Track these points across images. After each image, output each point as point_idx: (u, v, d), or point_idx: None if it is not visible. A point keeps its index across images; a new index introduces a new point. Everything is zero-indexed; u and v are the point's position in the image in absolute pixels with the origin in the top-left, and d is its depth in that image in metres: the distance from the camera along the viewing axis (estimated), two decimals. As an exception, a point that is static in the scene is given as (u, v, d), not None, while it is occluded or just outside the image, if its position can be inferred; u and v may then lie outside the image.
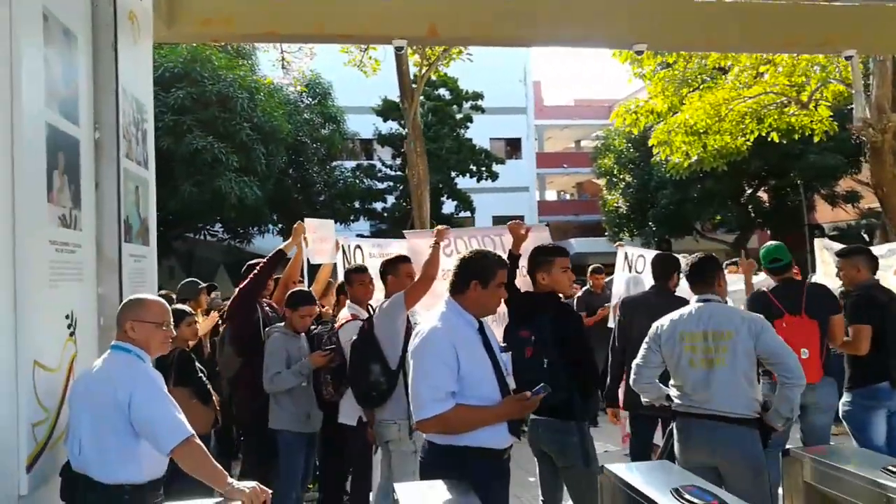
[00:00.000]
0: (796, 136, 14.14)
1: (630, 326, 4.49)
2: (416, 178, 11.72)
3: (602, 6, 5.68)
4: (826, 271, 6.90)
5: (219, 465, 2.56)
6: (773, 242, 4.82)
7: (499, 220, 26.95)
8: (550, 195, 40.96)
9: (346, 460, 4.74)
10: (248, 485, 2.49)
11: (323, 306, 5.46)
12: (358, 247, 6.05)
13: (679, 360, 3.39)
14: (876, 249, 6.72)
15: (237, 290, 4.70)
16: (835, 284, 7.05)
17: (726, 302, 3.59)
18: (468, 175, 22.93)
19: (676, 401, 3.44)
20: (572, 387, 3.30)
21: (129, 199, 3.46)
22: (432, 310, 2.87)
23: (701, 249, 22.60)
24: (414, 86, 12.25)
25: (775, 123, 13.55)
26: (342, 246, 5.87)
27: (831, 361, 4.47)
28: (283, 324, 4.39)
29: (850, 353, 4.44)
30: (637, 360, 3.60)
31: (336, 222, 21.45)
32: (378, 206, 23.42)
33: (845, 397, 4.48)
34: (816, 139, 13.92)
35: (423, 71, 12.39)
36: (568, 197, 41.65)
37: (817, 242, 7.14)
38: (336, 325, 4.54)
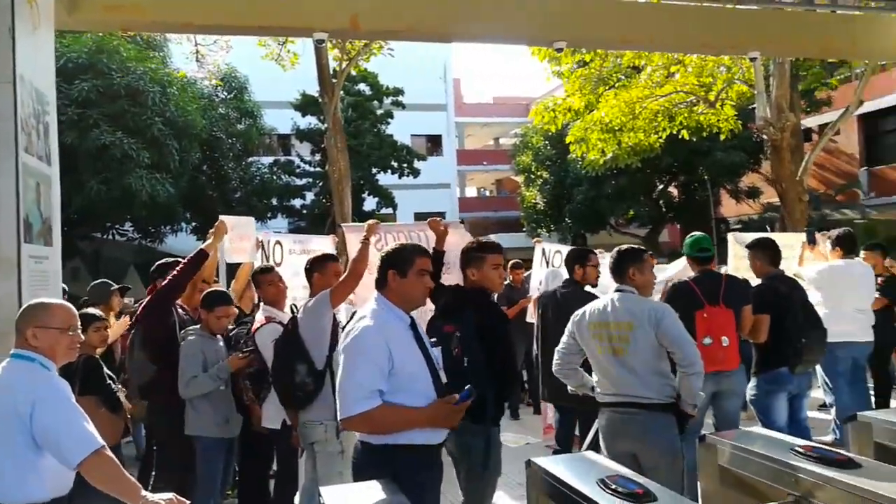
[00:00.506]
0: (704, 134, 14.80)
1: (544, 319, 4.68)
2: (337, 173, 11.53)
3: (523, 4, 5.75)
4: (737, 265, 7.24)
5: (131, 478, 2.42)
6: (699, 233, 4.97)
7: (420, 217, 26.93)
8: (471, 192, 41.30)
9: (268, 464, 4.61)
10: (164, 496, 2.37)
11: (245, 313, 5.29)
12: (278, 243, 5.90)
13: (592, 350, 3.50)
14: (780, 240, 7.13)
15: (152, 292, 4.48)
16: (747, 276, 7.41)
17: (647, 293, 3.62)
18: (390, 171, 22.81)
19: (597, 389, 3.53)
20: (488, 389, 3.24)
21: (28, 196, 3.23)
22: (362, 307, 2.82)
23: (615, 243, 23.22)
24: (334, 80, 12.04)
25: (685, 121, 14.13)
26: (261, 242, 5.70)
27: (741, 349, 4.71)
28: (198, 326, 4.22)
29: (753, 341, 4.69)
30: (559, 347, 3.70)
31: (253, 219, 21.06)
32: (297, 203, 22.94)
33: (752, 382, 4.74)
34: (723, 137, 14.62)
35: (343, 65, 12.20)
36: (488, 193, 42.10)
37: (730, 236, 7.44)
38: (252, 328, 4.41)
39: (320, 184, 21.97)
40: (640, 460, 3.32)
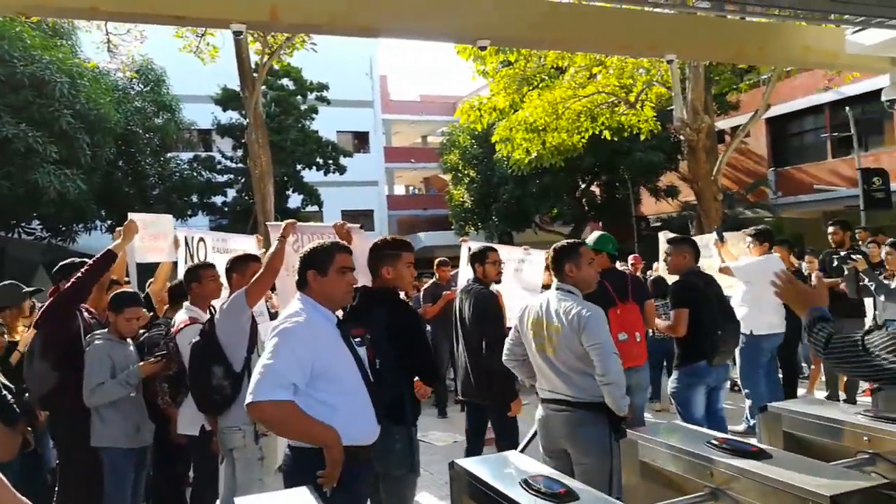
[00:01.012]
0: (625, 135, 15.23)
1: (458, 316, 4.76)
2: (259, 170, 11.23)
3: (447, 2, 5.74)
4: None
5: (23, 498, 2.24)
6: (605, 232, 5.08)
7: (347, 215, 26.66)
8: (399, 189, 41.18)
9: (185, 473, 4.41)
10: None
11: (159, 315, 5.04)
12: (202, 239, 5.65)
13: (529, 346, 3.51)
14: (737, 236, 7.44)
15: (54, 294, 4.20)
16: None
17: (589, 287, 3.57)
18: (315, 168, 22.46)
19: (537, 386, 3.55)
20: (404, 388, 3.23)
21: None
22: (290, 306, 2.71)
23: (540, 241, 23.70)
24: (255, 74, 11.72)
25: (607, 122, 14.49)
26: (185, 238, 5.45)
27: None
28: (106, 329, 3.99)
29: (672, 335, 4.82)
30: (507, 339, 3.73)
31: (172, 216, 20.29)
32: (218, 200, 22.30)
33: (673, 376, 4.87)
34: (642, 137, 15.09)
35: (265, 59, 11.90)
36: (416, 191, 42.09)
37: (661, 235, 7.67)
38: (173, 330, 4.20)
39: (242, 180, 21.43)
40: (571, 457, 3.35)
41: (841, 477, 2.11)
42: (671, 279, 5.81)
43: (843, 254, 6.43)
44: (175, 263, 5.45)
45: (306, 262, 2.71)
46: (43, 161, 13.19)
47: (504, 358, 3.72)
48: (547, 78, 14.87)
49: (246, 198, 21.13)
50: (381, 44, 31.67)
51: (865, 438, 2.52)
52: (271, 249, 3.76)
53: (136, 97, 18.39)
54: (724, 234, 7.10)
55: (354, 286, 2.82)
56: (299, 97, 22.07)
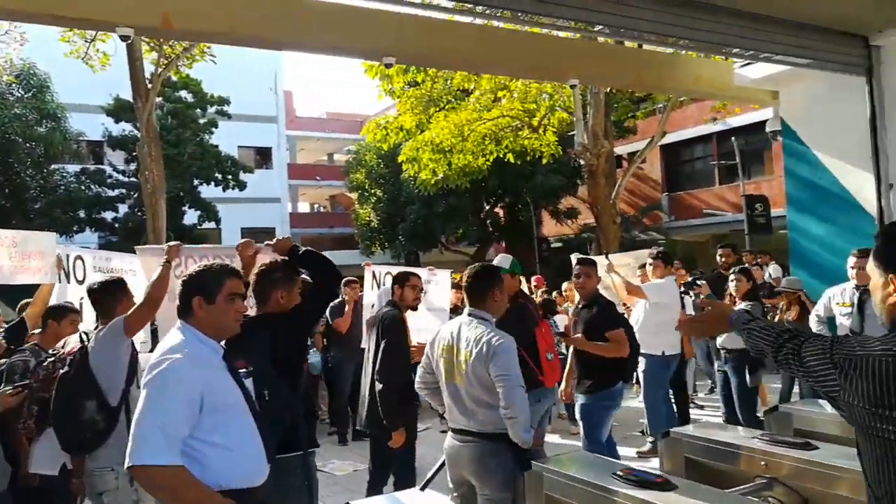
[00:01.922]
0: (528, 158, 15.55)
1: (372, 341, 4.46)
2: (151, 184, 10.62)
3: (353, 17, 5.59)
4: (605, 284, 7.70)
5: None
6: (509, 255, 5.05)
7: (248, 232, 25.85)
8: (303, 207, 40.39)
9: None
10: None
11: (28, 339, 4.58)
12: (79, 258, 5.22)
13: (438, 374, 3.39)
14: (622, 258, 7.62)
15: None
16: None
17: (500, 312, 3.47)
18: (214, 184, 21.62)
19: (446, 415, 3.42)
20: (299, 419, 3.03)
21: None
22: (168, 338, 2.43)
23: (446, 261, 23.85)
24: (150, 84, 11.14)
25: (511, 145, 14.74)
26: (59, 256, 5.00)
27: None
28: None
29: (611, 357, 4.69)
30: (420, 367, 3.56)
31: (55, 233, 18.90)
32: (108, 215, 21.02)
33: (584, 399, 4.81)
34: (544, 161, 15.45)
35: (160, 70, 11.33)
36: (321, 209, 41.42)
37: (573, 257, 7.77)
38: (65, 350, 3.78)
39: (135, 195, 20.31)
40: (476, 488, 3.25)
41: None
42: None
43: (689, 279, 6.57)
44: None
45: (191, 286, 2.44)
46: None
47: (417, 385, 3.57)
48: (453, 100, 15.00)
49: (139, 213, 20.03)
50: (286, 59, 31.10)
51: (763, 463, 2.55)
52: (153, 276, 3.47)
53: (15, 103, 17.10)
54: (610, 255, 7.38)
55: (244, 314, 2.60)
56: (198, 110, 21.21)
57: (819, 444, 2.55)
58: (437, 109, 14.32)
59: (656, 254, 6.45)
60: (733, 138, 18.00)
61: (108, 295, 3.53)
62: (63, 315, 4.22)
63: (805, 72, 6.28)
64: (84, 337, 3.46)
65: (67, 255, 5.13)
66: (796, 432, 3.03)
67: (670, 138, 19.97)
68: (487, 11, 4.80)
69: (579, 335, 4.85)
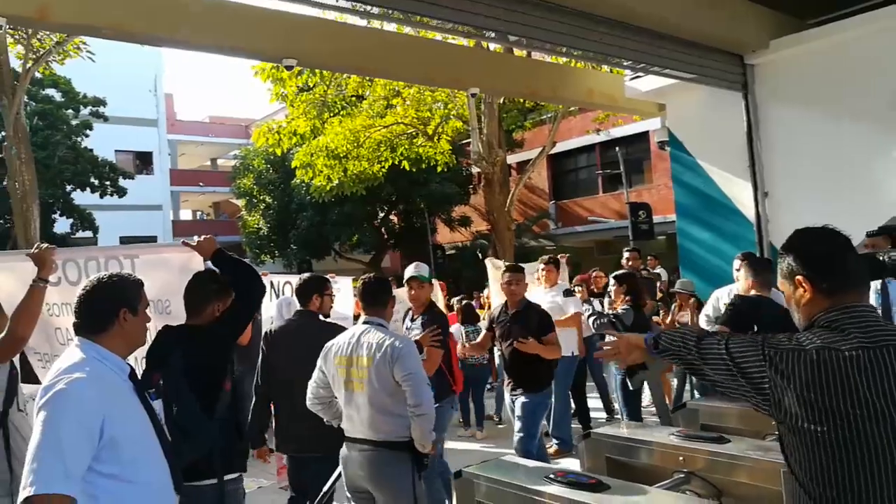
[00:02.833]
0: (423, 166, 15.61)
1: (275, 357, 4.03)
2: (21, 189, 9.75)
3: (251, 17, 5.40)
4: (496, 288, 7.74)
5: None
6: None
7: (127, 241, 24.30)
8: (186, 214, 38.56)
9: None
10: None
11: None
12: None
13: (336, 384, 3.29)
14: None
15: None
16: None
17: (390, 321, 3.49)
18: (90, 190, 20.20)
19: (343, 424, 3.31)
20: (213, 438, 2.81)
21: None
22: (65, 356, 2.15)
23: (340, 269, 23.47)
24: (16, 82, 10.24)
25: (406, 153, 14.75)
26: None
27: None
28: None
29: (550, 358, 4.84)
30: (311, 381, 3.40)
31: None
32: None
33: (526, 397, 4.86)
34: (439, 169, 15.56)
35: (29, 65, 10.45)
36: (205, 217, 39.71)
37: (488, 261, 7.91)
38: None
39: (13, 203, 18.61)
40: (374, 498, 3.19)
41: (665, 501, 2.16)
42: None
43: (566, 287, 6.71)
44: None
45: (117, 297, 2.21)
46: None
47: (309, 403, 3.41)
48: (347, 105, 14.81)
49: (2, 221, 18.39)
50: (166, 60, 29.67)
51: (680, 458, 2.64)
52: (23, 298, 3.01)
53: None
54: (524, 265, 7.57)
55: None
56: (70, 111, 19.73)
57: (730, 438, 2.67)
58: (332, 115, 14.09)
59: (548, 259, 6.63)
60: (617, 148, 18.88)
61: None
62: None
63: (690, 86, 6.68)
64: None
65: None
66: (703, 427, 3.17)
67: (557, 148, 20.66)
68: (379, 12, 4.73)
69: (531, 339, 4.85)
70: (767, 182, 6.56)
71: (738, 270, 5.36)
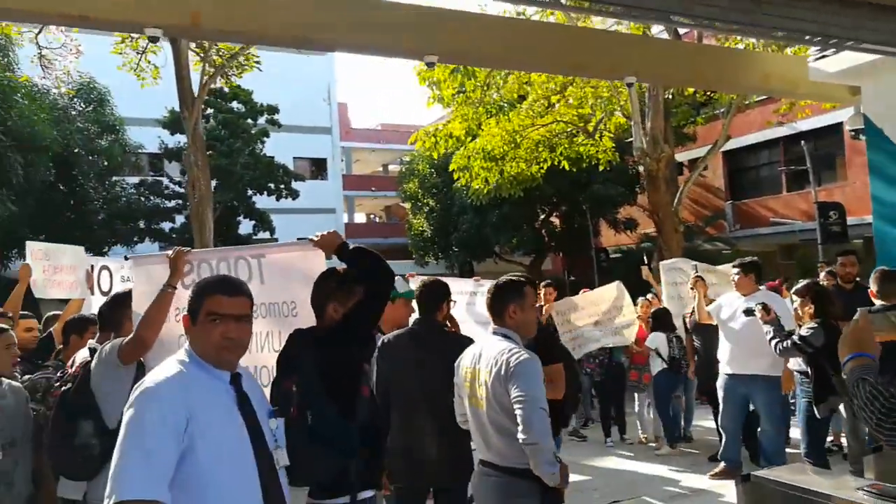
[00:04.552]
0: (584, 165, 14.97)
1: (387, 369, 3.55)
2: (198, 194, 10.57)
3: (392, 14, 5.29)
4: (670, 293, 7.36)
5: None
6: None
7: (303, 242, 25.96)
8: (360, 218, 40.61)
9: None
10: None
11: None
12: (105, 268, 5.02)
13: (463, 400, 3.01)
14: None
15: None
16: (679, 308, 7.31)
17: (530, 332, 3.04)
18: (266, 193, 21.74)
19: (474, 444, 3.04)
20: (352, 441, 2.59)
21: None
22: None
23: (501, 271, 23.23)
24: (196, 94, 11.12)
25: (566, 152, 14.21)
26: (88, 270, 4.82)
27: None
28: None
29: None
30: (456, 396, 3.12)
31: (117, 244, 19.35)
32: (166, 226, 21.35)
33: None
34: (601, 168, 14.85)
35: (205, 79, 11.31)
36: (377, 220, 41.56)
37: (686, 264, 7.36)
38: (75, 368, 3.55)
39: (190, 206, 20.60)
40: None
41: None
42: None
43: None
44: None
45: (190, 302, 2.10)
46: (-33, 181, 12.32)
47: (460, 420, 3.11)
48: (506, 106, 14.57)
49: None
50: (340, 71, 31.31)
51: (869, 523, 2.04)
52: (152, 301, 3.06)
53: (77, 117, 17.53)
54: (699, 266, 6.90)
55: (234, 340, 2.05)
56: (249, 120, 21.35)
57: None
58: (489, 116, 13.90)
59: (740, 264, 5.76)
60: (803, 142, 16.99)
61: (117, 307, 3.27)
62: (84, 328, 3.99)
63: (891, 62, 5.64)
64: (90, 352, 3.19)
65: (92, 266, 4.95)
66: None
67: (733, 144, 19.06)
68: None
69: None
70: None
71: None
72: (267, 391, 2.52)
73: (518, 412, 2.68)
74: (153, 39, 4.74)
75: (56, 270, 4.76)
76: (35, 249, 4.51)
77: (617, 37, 6.28)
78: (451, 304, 3.98)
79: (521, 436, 2.65)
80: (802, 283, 5.37)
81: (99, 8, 4.50)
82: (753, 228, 21.12)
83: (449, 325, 4.00)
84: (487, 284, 7.23)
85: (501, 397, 2.76)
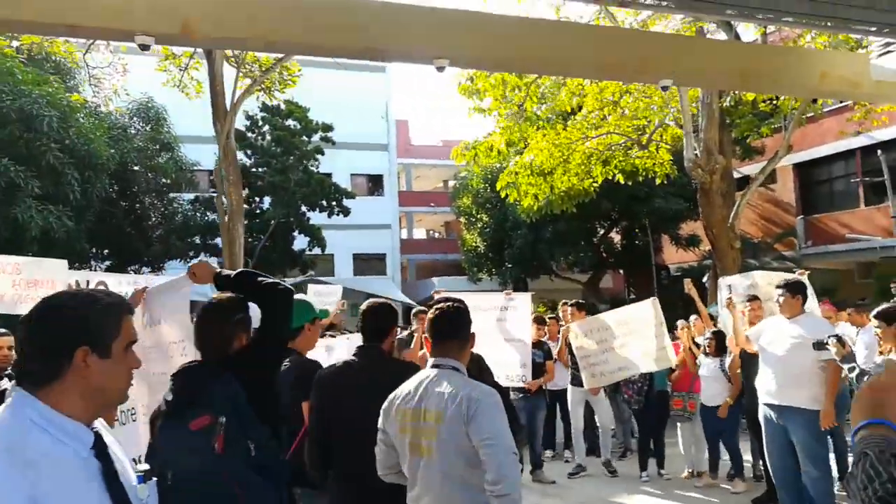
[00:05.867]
0: (640, 178, 14.28)
1: (327, 404, 3.00)
2: (230, 209, 10.48)
3: (396, 17, 4.98)
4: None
5: None
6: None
7: (359, 258, 25.95)
8: (419, 234, 40.63)
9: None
10: None
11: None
12: (101, 283, 4.85)
13: (399, 446, 2.55)
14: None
15: None
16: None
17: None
18: (318, 210, 21.85)
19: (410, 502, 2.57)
20: (287, 471, 2.39)
21: None
22: None
23: (556, 289, 22.65)
24: (227, 108, 11.11)
25: (620, 165, 13.59)
26: (76, 283, 4.65)
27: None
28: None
29: None
30: (378, 443, 2.68)
31: (173, 258, 19.76)
32: (220, 241, 21.74)
33: None
34: (658, 181, 14.12)
35: (239, 93, 11.30)
36: (437, 235, 41.49)
37: (759, 275, 6.74)
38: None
39: (246, 221, 20.87)
40: None
41: None
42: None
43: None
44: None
45: (71, 331, 1.52)
46: (25, 196, 12.67)
47: (381, 473, 2.66)
48: (554, 117, 14.07)
49: (249, 239, 20.55)
50: (398, 90, 31.51)
51: None
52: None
53: (136, 136, 18.04)
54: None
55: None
56: (304, 137, 21.55)
57: None
58: (535, 129, 13.41)
59: (785, 284, 5.09)
60: (879, 152, 15.78)
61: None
62: None
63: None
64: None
65: (89, 282, 4.77)
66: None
67: (805, 156, 17.92)
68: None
69: None
70: None
71: None
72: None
73: (486, 458, 2.28)
74: (144, 47, 4.55)
75: (30, 285, 4.59)
76: (6, 263, 4.35)
77: (648, 36, 5.81)
78: (396, 330, 3.51)
79: (491, 487, 2.25)
80: (886, 306, 4.65)
81: (87, 16, 4.35)
82: (826, 245, 19.79)
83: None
84: (519, 298, 6.74)
85: (461, 441, 2.34)
